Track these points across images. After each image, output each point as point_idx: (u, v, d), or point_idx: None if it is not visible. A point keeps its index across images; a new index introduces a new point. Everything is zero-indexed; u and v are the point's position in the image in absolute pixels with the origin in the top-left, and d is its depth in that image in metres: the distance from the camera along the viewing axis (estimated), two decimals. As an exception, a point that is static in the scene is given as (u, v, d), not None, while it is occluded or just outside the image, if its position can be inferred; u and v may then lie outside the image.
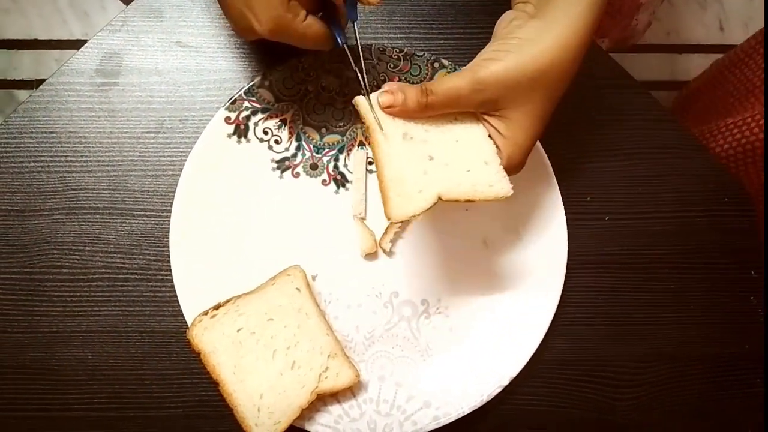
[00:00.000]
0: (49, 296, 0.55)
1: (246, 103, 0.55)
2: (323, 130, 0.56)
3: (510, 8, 0.48)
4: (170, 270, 0.53)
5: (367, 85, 0.48)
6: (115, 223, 0.56)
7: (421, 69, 0.56)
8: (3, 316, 0.55)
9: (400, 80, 0.56)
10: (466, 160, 0.46)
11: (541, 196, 0.56)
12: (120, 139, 0.56)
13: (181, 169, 0.54)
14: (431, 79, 0.55)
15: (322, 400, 0.53)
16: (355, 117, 0.55)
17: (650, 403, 0.58)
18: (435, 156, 0.46)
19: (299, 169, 0.56)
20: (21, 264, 0.55)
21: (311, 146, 0.56)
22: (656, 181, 0.59)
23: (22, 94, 1.27)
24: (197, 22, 0.57)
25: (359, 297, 0.56)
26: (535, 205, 0.56)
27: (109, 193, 0.56)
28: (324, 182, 0.56)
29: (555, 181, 0.55)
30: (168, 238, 0.53)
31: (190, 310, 0.53)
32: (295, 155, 0.56)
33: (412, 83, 0.51)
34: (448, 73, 0.55)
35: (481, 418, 0.56)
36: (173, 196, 0.54)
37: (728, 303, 0.59)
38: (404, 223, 0.56)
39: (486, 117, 0.46)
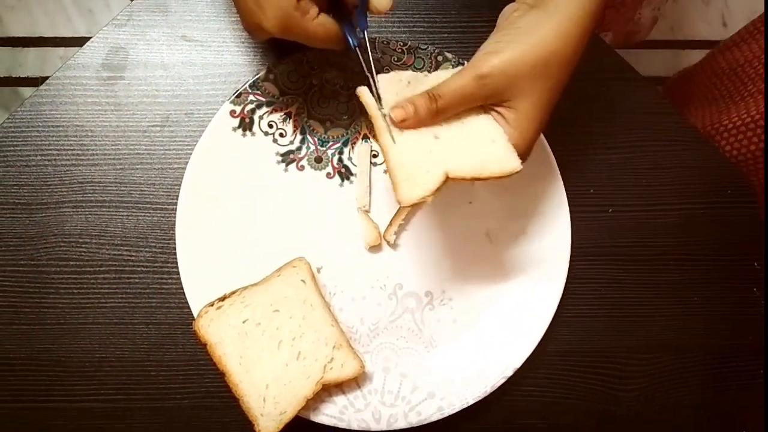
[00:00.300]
0: (56, 288, 0.56)
1: (251, 97, 0.55)
2: (328, 124, 0.57)
3: (512, 0, 0.48)
4: (176, 262, 0.53)
5: (377, 89, 0.47)
6: (122, 215, 0.56)
7: (424, 62, 0.56)
8: (10, 308, 0.55)
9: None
10: (473, 138, 0.46)
11: (544, 188, 0.56)
12: (126, 132, 0.57)
13: (187, 162, 0.54)
14: (435, 70, 0.55)
15: (327, 391, 0.53)
16: (360, 109, 0.56)
17: (653, 394, 0.58)
18: (440, 136, 0.46)
19: (304, 162, 0.56)
20: (28, 256, 0.56)
21: (316, 139, 0.57)
22: (659, 173, 0.59)
23: (27, 92, 1.27)
24: (202, 17, 0.58)
25: (364, 289, 0.56)
26: (538, 197, 0.56)
27: (115, 186, 0.56)
28: (328, 175, 0.57)
29: (558, 173, 0.56)
30: (174, 230, 0.54)
31: (196, 301, 0.53)
32: (299, 148, 0.56)
33: None
34: (452, 66, 0.55)
35: (485, 408, 0.56)
36: (179, 188, 0.54)
37: (731, 294, 0.59)
38: (414, 209, 0.56)
39: (493, 108, 0.47)
